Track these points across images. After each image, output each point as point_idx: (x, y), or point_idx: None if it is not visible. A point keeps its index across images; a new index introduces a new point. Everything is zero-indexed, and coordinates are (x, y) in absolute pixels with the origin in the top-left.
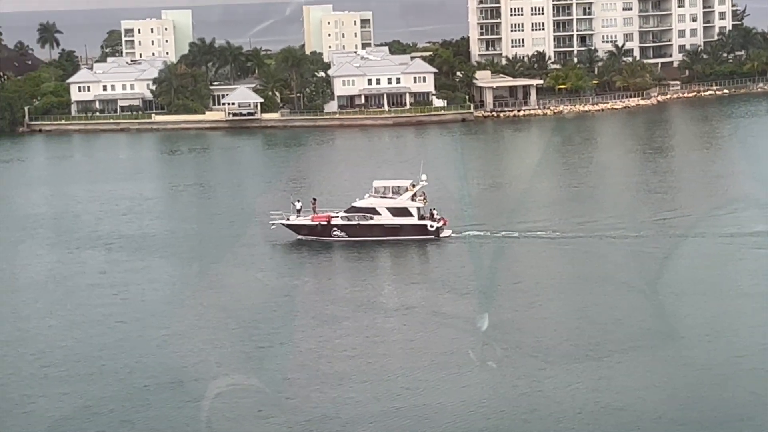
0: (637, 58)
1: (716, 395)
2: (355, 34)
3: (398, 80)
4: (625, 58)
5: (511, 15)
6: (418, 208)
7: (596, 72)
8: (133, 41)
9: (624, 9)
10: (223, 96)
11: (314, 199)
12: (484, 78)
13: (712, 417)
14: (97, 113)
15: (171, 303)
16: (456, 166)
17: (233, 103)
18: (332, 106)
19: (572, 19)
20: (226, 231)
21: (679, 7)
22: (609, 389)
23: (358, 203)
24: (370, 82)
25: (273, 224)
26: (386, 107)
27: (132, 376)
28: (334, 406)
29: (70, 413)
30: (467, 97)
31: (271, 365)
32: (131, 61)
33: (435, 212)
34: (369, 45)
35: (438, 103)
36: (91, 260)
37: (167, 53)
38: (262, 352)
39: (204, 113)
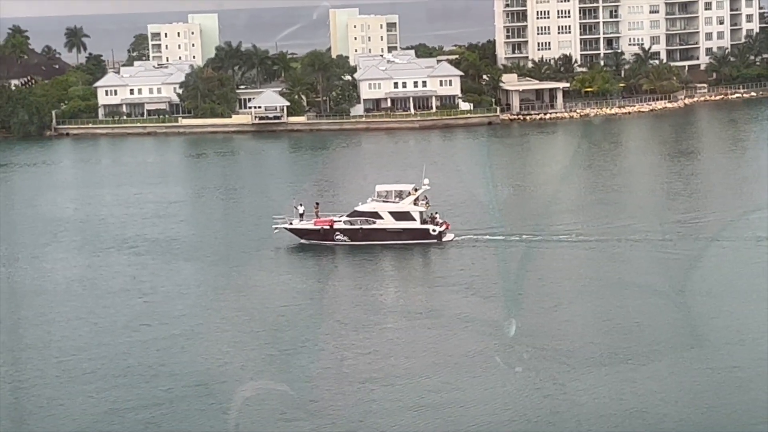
0: (664, 60)
1: (741, 399)
2: (382, 37)
3: (424, 83)
4: (651, 61)
5: (538, 18)
6: (421, 212)
7: (623, 75)
8: (159, 45)
9: (651, 12)
10: (249, 100)
11: (317, 204)
12: (510, 81)
13: (736, 420)
14: (124, 117)
15: (196, 306)
16: (481, 169)
17: (259, 107)
18: (358, 110)
19: (599, 22)
20: (251, 234)
21: (706, 9)
22: (633, 392)
23: (361, 207)
24: (396, 85)
25: (276, 228)
26: (412, 110)
27: (157, 379)
28: (360, 409)
29: (95, 416)
30: (493, 100)
31: (295, 368)
32: (158, 65)
33: (437, 216)
34: (395, 48)
35: (464, 106)
36: (116, 264)
37: (194, 57)
38: (286, 355)
39: (230, 117)
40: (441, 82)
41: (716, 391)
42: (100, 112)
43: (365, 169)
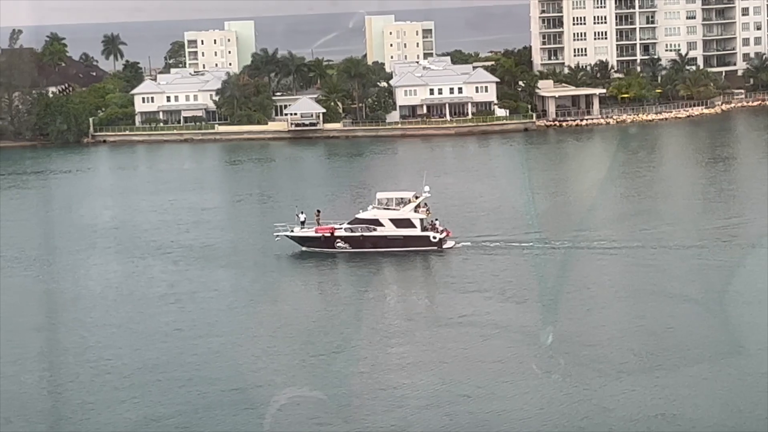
0: (701, 66)
1: None
2: (417, 44)
3: (460, 90)
4: (688, 67)
5: (574, 24)
6: (421, 220)
7: (659, 81)
8: (196, 52)
9: (687, 18)
10: (285, 106)
11: (318, 211)
12: (546, 87)
13: None
14: (161, 124)
15: (230, 312)
16: (516, 176)
17: (296, 114)
18: (394, 117)
19: (635, 28)
20: (285, 242)
21: (743, 15)
22: (666, 398)
23: (362, 215)
24: (432, 92)
25: (277, 236)
26: (448, 117)
27: (191, 384)
28: (392, 414)
29: (130, 421)
30: (529, 106)
31: (329, 373)
32: (194, 72)
33: (437, 223)
34: (431, 55)
35: (500, 112)
36: (152, 270)
37: (230, 64)
38: (319, 361)
39: (266, 124)
40: (477, 88)
41: (749, 397)
42: (137, 119)
43: (400, 176)
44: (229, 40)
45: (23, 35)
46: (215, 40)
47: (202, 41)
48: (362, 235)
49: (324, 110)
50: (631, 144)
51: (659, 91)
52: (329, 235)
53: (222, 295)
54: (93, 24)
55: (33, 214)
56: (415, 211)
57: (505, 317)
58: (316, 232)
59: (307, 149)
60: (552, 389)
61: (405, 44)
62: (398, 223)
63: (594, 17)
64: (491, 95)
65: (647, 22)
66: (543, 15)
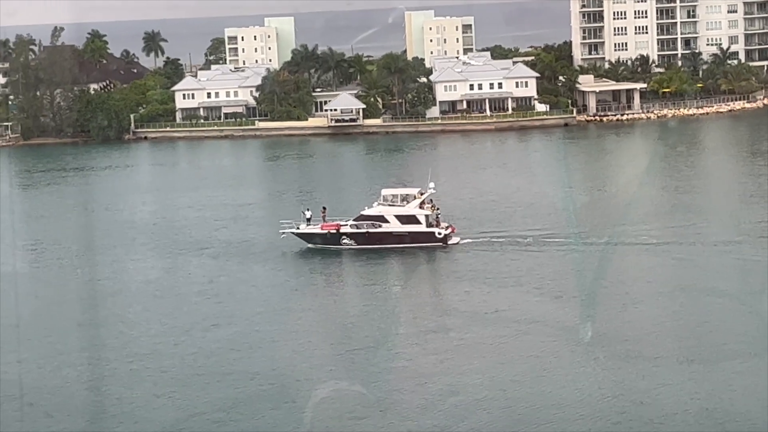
0: (743, 60)
1: None
2: (457, 39)
3: (500, 85)
4: (729, 61)
5: (614, 18)
6: (427, 216)
7: (700, 75)
8: (236, 49)
9: (729, 12)
10: (325, 102)
11: (324, 208)
12: (586, 82)
13: None
14: (202, 120)
15: (268, 307)
16: (556, 171)
17: (335, 110)
18: (434, 112)
19: (676, 23)
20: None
21: None
22: (703, 392)
23: (367, 211)
24: (471, 87)
25: (283, 233)
26: (488, 112)
27: (229, 378)
28: (431, 409)
29: (168, 416)
30: (570, 101)
31: (366, 367)
32: (235, 68)
33: (439, 213)
34: (471, 50)
35: (540, 107)
36: (191, 265)
37: (270, 60)
38: (357, 355)
39: (306, 120)
40: (517, 83)
41: None
42: (178, 115)
43: (439, 172)
44: (269, 36)
45: (65, 33)
46: (255, 37)
47: (242, 37)
48: (368, 232)
49: (364, 106)
50: (672, 139)
51: (700, 85)
52: (335, 231)
53: (258, 290)
54: (133, 21)
55: (74, 210)
56: (421, 208)
57: (540, 312)
58: (322, 228)
59: (347, 145)
60: (589, 384)
61: (445, 40)
62: (403, 219)
63: (635, 12)
64: (531, 90)
65: (688, 17)
66: (583, 10)
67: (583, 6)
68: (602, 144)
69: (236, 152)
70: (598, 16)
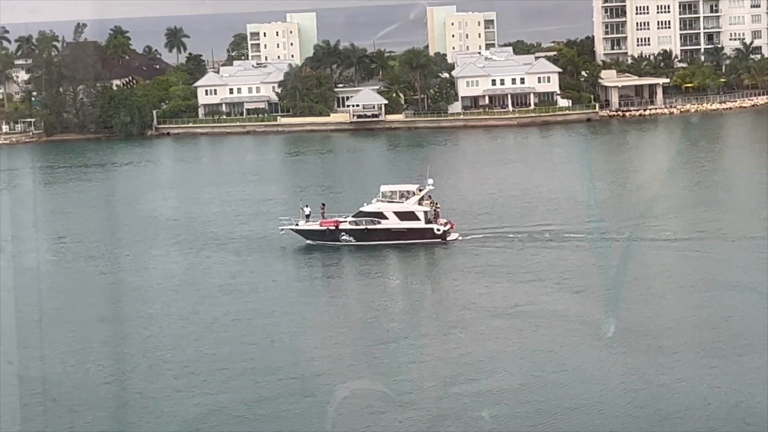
0: (765, 55)
1: None
2: (479, 34)
3: (522, 80)
4: (752, 56)
5: (637, 13)
6: (425, 212)
7: (723, 70)
8: (258, 44)
9: (752, 6)
10: (347, 98)
11: (323, 204)
12: (609, 77)
13: None
14: (224, 116)
15: (290, 302)
16: (578, 166)
17: (358, 105)
18: (456, 107)
19: (699, 17)
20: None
21: None
22: (724, 387)
23: (366, 208)
24: (494, 82)
25: (282, 230)
26: (510, 108)
27: (250, 373)
28: (451, 402)
29: (189, 410)
30: (592, 96)
31: (388, 362)
32: (257, 64)
33: (439, 214)
34: (493, 45)
35: (562, 102)
36: (211, 261)
37: (292, 56)
38: (378, 350)
39: (329, 115)
40: (539, 78)
41: None
42: (200, 111)
43: (460, 167)
44: (291, 32)
45: (87, 29)
46: (277, 32)
47: (265, 33)
48: (366, 228)
49: (386, 101)
50: (695, 134)
51: (723, 80)
52: (334, 228)
53: (278, 285)
54: (156, 17)
55: (96, 205)
56: (419, 204)
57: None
58: (321, 225)
59: (369, 140)
60: (610, 377)
61: (467, 35)
62: (402, 215)
63: (657, 6)
64: (554, 85)
65: (711, 11)
66: (606, 5)
67: (606, 1)
68: (624, 139)
69: (258, 148)
70: (621, 11)
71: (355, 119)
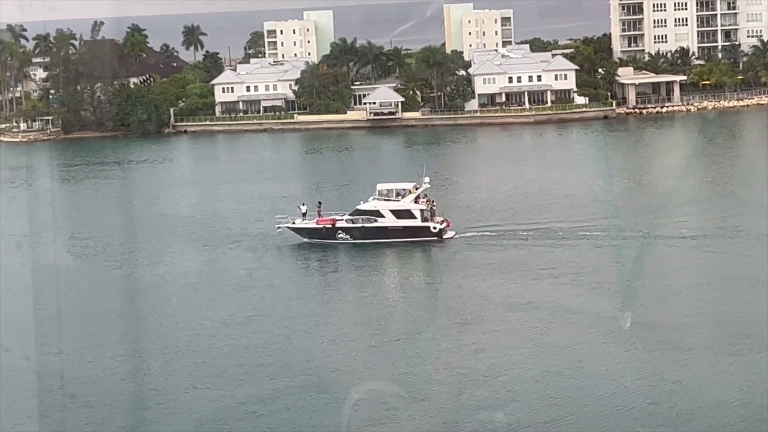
0: None
1: None
2: (496, 32)
3: (539, 78)
4: None
5: (654, 11)
6: (421, 210)
7: (741, 67)
8: (275, 42)
9: None
10: (364, 96)
11: (319, 203)
12: (626, 74)
13: None
14: (241, 114)
15: (306, 300)
16: (594, 163)
17: (374, 103)
18: (473, 105)
19: (716, 14)
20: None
21: None
22: (741, 384)
23: (362, 206)
24: (510, 80)
25: (279, 228)
26: (527, 105)
27: (267, 369)
28: (466, 400)
29: (205, 406)
30: (609, 94)
31: (403, 359)
32: (274, 62)
33: (435, 212)
34: (509, 43)
35: (579, 100)
36: (228, 258)
37: (309, 54)
38: (393, 347)
39: (345, 113)
40: (556, 76)
41: None
42: (217, 109)
43: (477, 164)
44: (308, 30)
45: (105, 27)
46: (294, 30)
47: (281, 31)
48: (363, 226)
49: (402, 99)
50: (711, 131)
51: (740, 77)
52: (330, 226)
53: (292, 282)
54: (173, 15)
55: (114, 203)
56: (416, 202)
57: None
58: (318, 223)
59: (386, 138)
60: (624, 373)
61: (483, 32)
62: (399, 214)
63: (675, 3)
64: (570, 83)
65: (728, 8)
66: (623, 2)
67: None
68: (641, 136)
69: (275, 145)
70: (638, 8)
71: (372, 117)
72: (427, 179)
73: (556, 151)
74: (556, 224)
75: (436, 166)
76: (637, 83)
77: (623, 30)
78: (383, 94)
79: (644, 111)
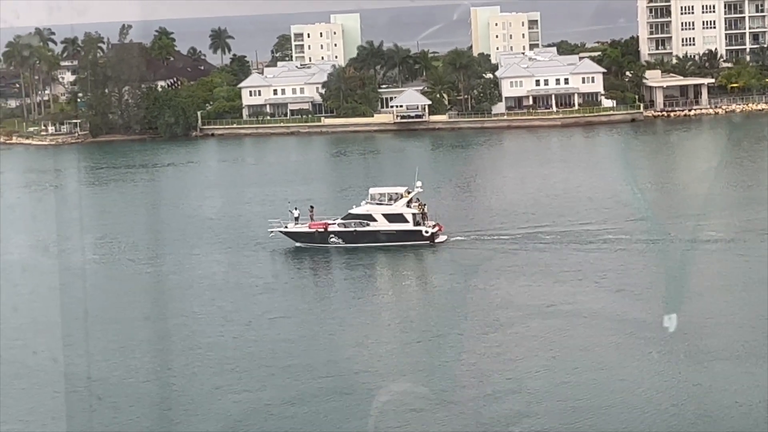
0: None
1: None
2: (523, 35)
3: (566, 81)
4: None
5: (682, 13)
6: (414, 215)
7: None
8: (302, 45)
9: None
10: (391, 99)
11: (312, 207)
12: (654, 77)
13: None
14: (268, 117)
15: (332, 302)
16: (621, 167)
17: (401, 106)
18: (500, 108)
19: (744, 17)
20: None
21: None
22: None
23: (355, 210)
24: (537, 83)
25: (271, 232)
26: (554, 108)
27: (290, 371)
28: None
29: (230, 408)
30: (637, 97)
31: (428, 360)
32: (301, 65)
33: (427, 216)
34: (537, 46)
35: (607, 103)
36: (254, 260)
37: (336, 57)
38: (418, 349)
39: (372, 116)
40: (583, 79)
41: None
42: (245, 112)
43: (503, 167)
44: (335, 33)
45: (133, 30)
46: (321, 33)
47: (309, 34)
48: (355, 230)
49: (429, 102)
50: (739, 134)
51: None
52: (323, 230)
53: (316, 285)
54: (200, 18)
55: (141, 205)
56: (408, 206)
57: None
58: (310, 227)
59: (412, 141)
60: (646, 376)
61: (510, 35)
62: (391, 217)
63: (702, 6)
64: (598, 86)
65: (756, 11)
66: (651, 5)
67: (651, 1)
68: (669, 139)
69: (302, 149)
70: (666, 11)
71: (399, 120)
72: (419, 183)
73: (582, 154)
74: (580, 227)
75: (464, 170)
76: (664, 86)
77: (651, 33)
78: (410, 97)
79: (672, 114)
